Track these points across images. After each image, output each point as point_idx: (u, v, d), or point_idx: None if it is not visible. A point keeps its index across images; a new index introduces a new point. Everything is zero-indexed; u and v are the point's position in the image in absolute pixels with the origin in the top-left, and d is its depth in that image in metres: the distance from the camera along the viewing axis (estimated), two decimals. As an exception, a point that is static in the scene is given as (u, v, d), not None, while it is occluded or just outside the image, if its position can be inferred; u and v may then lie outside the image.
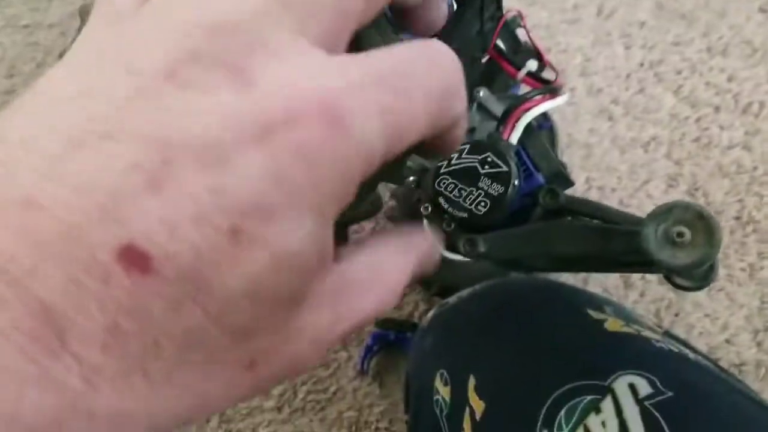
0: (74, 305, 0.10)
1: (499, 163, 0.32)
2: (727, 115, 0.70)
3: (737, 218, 0.62)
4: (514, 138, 0.34)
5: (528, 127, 0.35)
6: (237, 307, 0.11)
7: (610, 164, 0.70)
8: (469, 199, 0.33)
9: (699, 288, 0.34)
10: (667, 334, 0.45)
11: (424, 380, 0.43)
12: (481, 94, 0.40)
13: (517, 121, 0.35)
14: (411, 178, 0.35)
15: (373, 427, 0.61)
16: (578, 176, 0.70)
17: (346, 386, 0.63)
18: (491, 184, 0.33)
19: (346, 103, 0.11)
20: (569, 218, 0.33)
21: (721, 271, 0.60)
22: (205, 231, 0.10)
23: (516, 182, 0.32)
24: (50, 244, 0.10)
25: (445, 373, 0.40)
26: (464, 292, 0.49)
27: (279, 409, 0.62)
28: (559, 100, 0.36)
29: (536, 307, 0.42)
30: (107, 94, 0.11)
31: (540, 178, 0.34)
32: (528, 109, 0.35)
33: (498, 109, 0.39)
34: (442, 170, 0.33)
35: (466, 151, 0.33)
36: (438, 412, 0.39)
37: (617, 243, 0.28)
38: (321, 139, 0.11)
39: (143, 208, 0.10)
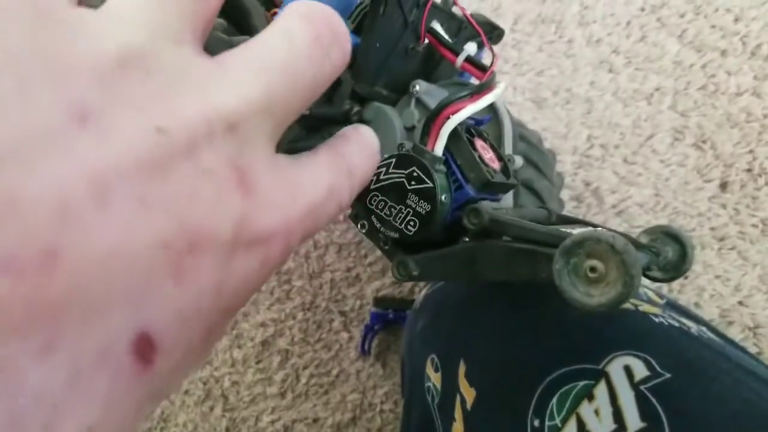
0: None
1: (424, 178, 0.30)
2: (735, 60, 0.65)
3: (748, 170, 0.59)
4: (439, 148, 0.31)
5: (454, 133, 0.32)
6: None
7: (612, 119, 0.66)
8: (399, 218, 0.31)
9: (671, 279, 0.32)
10: (669, 304, 0.43)
11: (415, 366, 0.41)
12: (417, 87, 0.36)
13: (440, 129, 0.31)
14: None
15: (377, 408, 0.60)
16: (580, 133, 0.66)
17: (349, 368, 0.61)
18: (418, 201, 0.31)
19: None
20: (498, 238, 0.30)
21: (733, 228, 0.57)
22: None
23: (444, 198, 0.30)
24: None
25: (436, 359, 0.39)
26: None
27: (282, 395, 0.60)
28: (490, 97, 0.32)
29: (526, 287, 0.40)
30: None
31: (470, 190, 0.32)
32: (450, 116, 0.31)
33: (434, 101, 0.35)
34: (372, 186, 0.31)
35: (393, 164, 0.30)
36: (429, 400, 0.37)
37: (542, 268, 0.26)
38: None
39: None
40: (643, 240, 0.42)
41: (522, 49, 0.75)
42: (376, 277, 0.64)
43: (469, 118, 0.33)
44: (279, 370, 0.62)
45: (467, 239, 0.31)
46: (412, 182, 0.30)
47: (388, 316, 0.59)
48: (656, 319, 0.36)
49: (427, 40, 0.36)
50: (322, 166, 0.20)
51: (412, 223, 0.31)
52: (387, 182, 0.31)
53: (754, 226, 0.58)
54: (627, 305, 0.39)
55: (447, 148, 0.32)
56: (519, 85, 0.72)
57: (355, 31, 0.34)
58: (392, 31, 0.34)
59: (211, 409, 0.62)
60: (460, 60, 0.34)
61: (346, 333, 0.63)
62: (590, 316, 0.37)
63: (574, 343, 0.33)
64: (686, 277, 0.58)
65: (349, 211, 0.35)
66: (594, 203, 0.62)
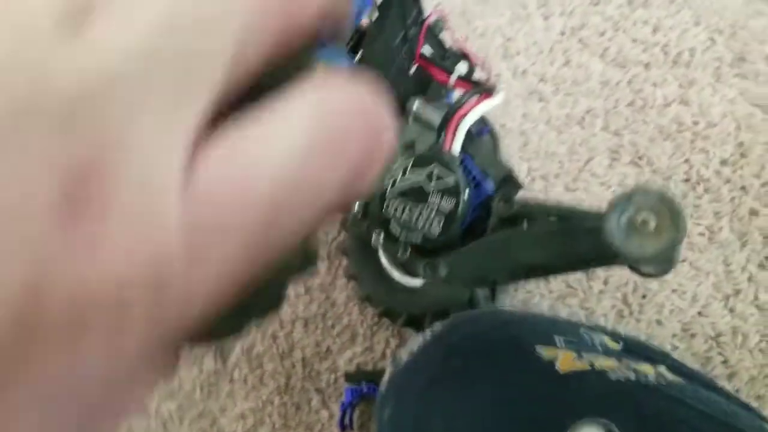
0: None
1: (446, 174, 0.31)
2: (658, 70, 0.67)
3: (686, 180, 0.60)
4: (456, 147, 0.33)
5: (469, 134, 0.34)
6: None
7: (548, 149, 0.67)
8: (421, 220, 0.32)
9: (665, 272, 0.33)
10: (626, 349, 0.43)
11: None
12: (416, 105, 0.38)
13: (456, 128, 0.34)
14: (355, 209, 0.34)
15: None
16: (519, 167, 0.67)
17: (331, 444, 0.62)
18: (441, 198, 0.32)
19: None
20: (526, 224, 0.32)
21: (680, 241, 0.58)
22: None
23: (467, 192, 0.31)
24: None
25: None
26: (415, 344, 0.47)
27: None
28: (496, 100, 0.35)
29: (484, 358, 0.41)
30: None
31: (490, 185, 0.33)
32: (465, 114, 0.34)
33: (435, 117, 0.38)
34: (388, 193, 0.32)
35: (409, 167, 0.32)
36: None
37: (582, 242, 0.27)
38: None
39: None
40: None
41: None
42: (346, 347, 0.65)
43: (472, 126, 0.35)
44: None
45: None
46: (433, 181, 0.32)
47: (362, 390, 0.59)
48: (613, 377, 0.37)
49: (416, 64, 0.38)
50: None
51: (436, 221, 0.31)
52: (405, 186, 0.32)
53: (701, 234, 0.58)
54: (583, 365, 0.40)
55: (463, 149, 0.34)
56: (458, 128, 0.74)
57: (351, 51, 0.36)
58: (392, 47, 0.35)
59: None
60: (453, 79, 0.37)
61: (325, 411, 0.64)
62: (549, 387, 0.37)
63: (537, 414, 0.34)
64: (644, 297, 0.58)
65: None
66: (545, 236, 0.63)
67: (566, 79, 0.72)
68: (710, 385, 0.44)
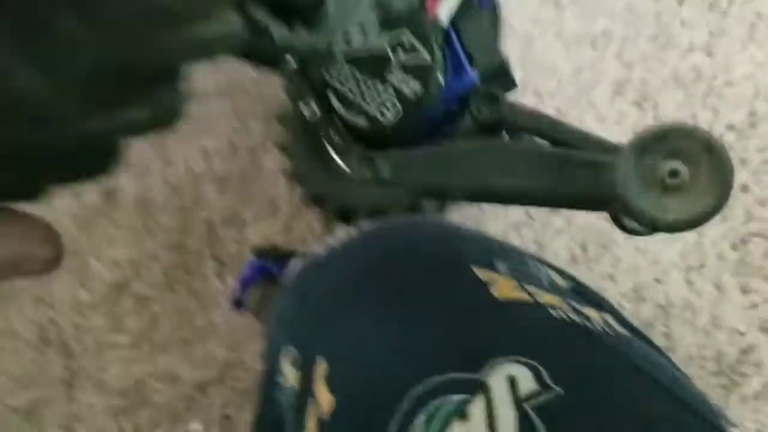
0: None
1: (420, 48, 0.23)
2: (692, 10, 0.58)
3: (686, 136, 0.53)
4: (444, 13, 0.23)
5: (465, 1, 0.24)
6: None
7: (551, 62, 0.58)
8: (373, 99, 0.24)
9: (652, 233, 0.26)
10: (574, 289, 0.37)
11: (270, 354, 0.33)
12: None
13: None
14: (289, 59, 0.24)
15: (247, 366, 0.52)
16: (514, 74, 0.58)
17: (218, 321, 0.53)
18: (405, 78, 0.23)
19: None
20: (507, 136, 0.24)
21: (660, 199, 0.52)
22: None
23: (441, 78, 0.24)
24: None
25: (294, 351, 0.31)
26: (336, 240, 0.38)
27: (136, 346, 0.52)
28: None
29: (408, 266, 0.33)
30: None
31: (473, 75, 0.24)
32: None
33: None
34: (336, 53, 0.22)
35: (372, 26, 0.22)
36: (283, 400, 0.30)
37: (580, 177, 0.21)
38: None
39: None
40: None
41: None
42: (261, 219, 0.55)
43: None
44: (133, 318, 0.52)
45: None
46: (400, 51, 0.22)
47: (269, 269, 0.50)
48: (554, 313, 0.30)
49: None
50: None
51: (393, 105, 0.23)
52: (361, 51, 0.23)
53: (683, 198, 0.52)
54: (523, 296, 0.33)
55: (451, 21, 0.24)
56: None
57: None
58: None
59: (46, 357, 0.52)
60: None
61: (219, 281, 0.54)
62: (476, 313, 0.30)
63: (454, 347, 0.28)
64: (604, 246, 0.52)
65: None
66: (518, 156, 0.55)
67: (591, -9, 0.62)
68: (656, 348, 0.39)
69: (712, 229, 0.51)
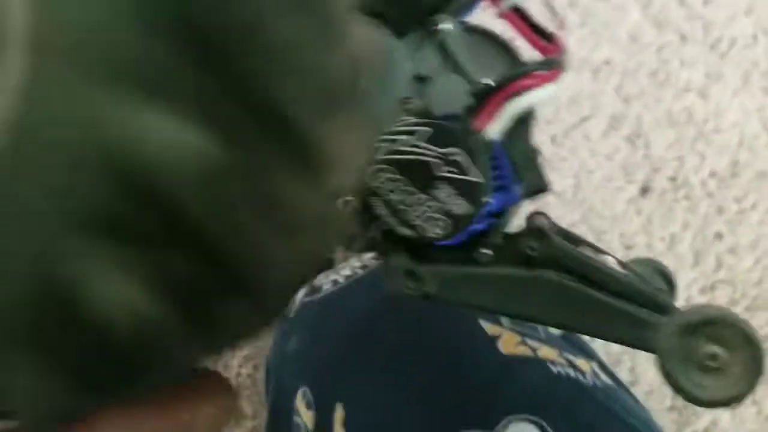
0: None
1: (469, 168, 0.23)
2: (693, 49, 0.59)
3: (672, 179, 0.55)
4: (494, 131, 0.22)
5: (519, 118, 0.23)
6: None
7: (551, 88, 0.58)
8: (416, 211, 0.24)
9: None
10: (566, 336, 0.40)
11: (283, 392, 0.35)
12: (445, 27, 0.25)
13: (501, 106, 0.22)
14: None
15: (234, 372, 0.53)
16: (513, 97, 0.58)
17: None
18: (453, 196, 0.23)
19: None
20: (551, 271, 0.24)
21: (642, 238, 0.54)
22: None
23: (489, 198, 0.23)
24: None
25: (309, 393, 0.32)
26: (343, 275, 0.39)
27: None
28: (564, 78, 0.23)
29: (423, 312, 0.34)
30: None
31: (517, 192, 0.24)
32: (521, 91, 0.23)
33: (470, 58, 0.25)
34: (382, 151, 0.22)
35: (425, 135, 0.22)
36: None
37: (620, 329, 0.23)
38: None
39: None
40: (637, 268, 0.37)
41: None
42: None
43: None
44: None
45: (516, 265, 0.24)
46: (448, 169, 0.22)
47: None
48: (554, 369, 0.34)
49: None
50: None
51: (438, 222, 0.22)
52: (407, 157, 0.22)
53: (662, 239, 0.55)
54: (526, 351, 0.36)
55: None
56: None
57: None
58: None
59: None
60: (506, 4, 0.24)
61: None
62: (487, 368, 0.33)
63: (469, 402, 0.32)
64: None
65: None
66: (511, 182, 0.56)
67: (597, 14, 0.62)
68: (630, 393, 0.44)
69: (685, 273, 0.55)
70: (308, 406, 0.33)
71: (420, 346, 0.34)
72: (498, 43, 0.26)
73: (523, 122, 0.24)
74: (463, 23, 0.27)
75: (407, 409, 0.30)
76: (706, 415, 0.52)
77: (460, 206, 0.23)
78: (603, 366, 0.40)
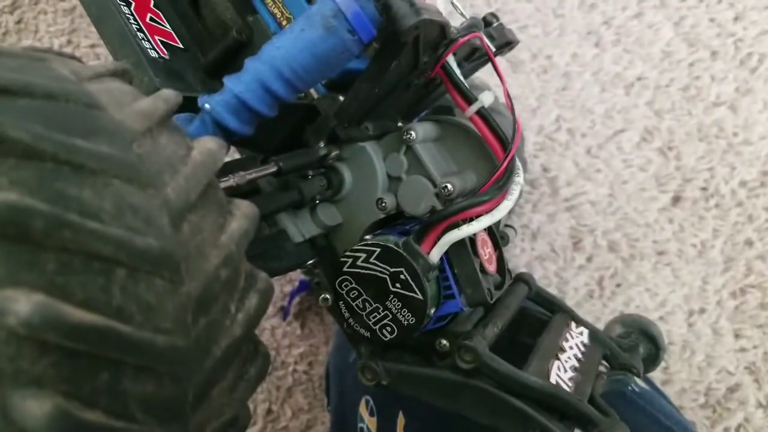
0: None
1: (413, 286, 0.27)
2: (723, 65, 0.63)
3: (703, 188, 0.59)
4: (436, 255, 0.27)
5: (458, 242, 0.27)
6: None
7: (586, 103, 0.62)
8: (374, 318, 0.28)
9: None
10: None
11: (347, 399, 0.39)
12: (413, 135, 0.30)
13: (441, 234, 0.27)
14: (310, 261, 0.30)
15: (290, 368, 0.58)
16: (550, 112, 0.62)
17: (263, 324, 0.58)
18: (402, 309, 0.28)
19: None
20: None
21: (673, 245, 0.58)
22: None
23: (432, 311, 0.27)
24: None
25: (371, 402, 0.36)
26: None
27: None
28: (507, 205, 0.27)
29: None
30: None
31: (462, 304, 0.28)
32: (460, 221, 0.27)
33: (438, 165, 0.30)
34: (345, 268, 0.26)
35: (376, 254, 0.26)
36: None
37: None
38: None
39: None
40: (618, 330, 0.40)
41: (510, -5, 0.67)
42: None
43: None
44: None
45: (448, 367, 0.28)
46: (397, 285, 0.27)
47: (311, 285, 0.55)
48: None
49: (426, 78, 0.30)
50: None
51: (389, 329, 0.27)
52: (366, 272, 0.27)
53: (693, 245, 0.58)
54: None
55: (445, 253, 0.27)
56: (498, 38, 0.65)
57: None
58: (398, 76, 0.27)
59: None
60: (472, 110, 0.28)
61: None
62: None
63: None
64: (619, 285, 0.58)
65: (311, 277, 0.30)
66: (548, 193, 0.60)
67: (631, 33, 0.65)
68: (665, 397, 0.47)
69: (716, 278, 0.58)
70: (371, 413, 0.37)
71: None
72: (471, 137, 0.31)
73: (462, 246, 0.28)
74: (440, 116, 0.31)
75: (463, 421, 0.34)
76: (739, 413, 0.55)
77: (406, 318, 0.27)
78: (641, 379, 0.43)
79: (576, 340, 0.33)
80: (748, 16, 0.66)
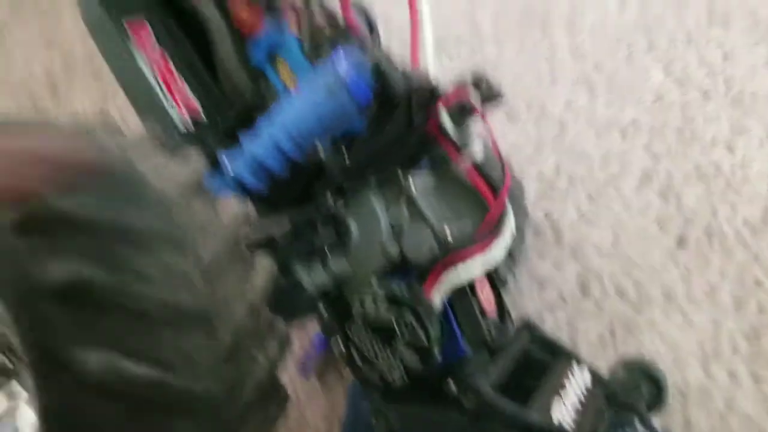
0: None
1: (419, 333, 0.28)
2: (715, 104, 0.64)
3: (706, 230, 0.59)
4: (437, 297, 0.28)
5: (460, 289, 0.28)
6: None
7: (583, 148, 0.63)
8: (385, 363, 0.29)
9: None
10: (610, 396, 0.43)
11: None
12: (413, 186, 0.32)
13: (442, 276, 0.28)
14: (321, 308, 0.32)
15: (309, 422, 0.57)
16: (548, 159, 0.63)
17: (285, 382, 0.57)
18: (409, 353, 0.29)
19: None
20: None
21: (681, 288, 0.58)
22: None
23: (438, 354, 0.29)
24: None
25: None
26: None
27: None
28: (502, 242, 0.29)
29: None
30: None
31: (465, 346, 0.29)
32: (456, 263, 0.28)
33: (436, 213, 0.31)
34: (353, 311, 0.28)
35: (381, 297, 0.27)
36: None
37: None
38: None
39: None
40: (621, 374, 0.41)
41: (503, 46, 0.68)
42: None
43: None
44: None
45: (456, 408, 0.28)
46: (403, 328, 0.27)
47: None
48: None
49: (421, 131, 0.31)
50: None
51: (399, 371, 0.28)
52: (372, 315, 0.28)
53: (701, 288, 0.58)
54: None
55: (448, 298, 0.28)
56: (492, 89, 0.66)
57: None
58: (395, 134, 0.29)
59: None
60: (464, 162, 0.30)
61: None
62: None
63: None
64: (630, 331, 0.58)
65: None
66: (552, 239, 0.60)
67: (622, 77, 0.66)
68: None
69: (728, 321, 0.57)
70: None
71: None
72: (464, 189, 0.32)
73: (462, 292, 0.29)
74: (436, 171, 0.33)
75: None
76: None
77: (413, 361, 0.28)
78: (643, 419, 0.43)
79: (578, 380, 0.33)
80: (737, 54, 0.67)
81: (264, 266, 0.24)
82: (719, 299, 0.59)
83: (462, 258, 0.28)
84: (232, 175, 0.29)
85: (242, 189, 0.30)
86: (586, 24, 0.69)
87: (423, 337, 0.28)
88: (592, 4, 0.69)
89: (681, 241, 0.61)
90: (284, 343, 0.24)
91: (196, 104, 0.37)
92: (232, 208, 0.24)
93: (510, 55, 0.68)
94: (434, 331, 0.28)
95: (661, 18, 0.69)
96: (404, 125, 0.31)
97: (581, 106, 0.66)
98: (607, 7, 0.69)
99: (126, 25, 0.39)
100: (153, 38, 0.39)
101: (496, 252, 0.29)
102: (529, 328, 0.37)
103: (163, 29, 0.41)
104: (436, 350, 0.28)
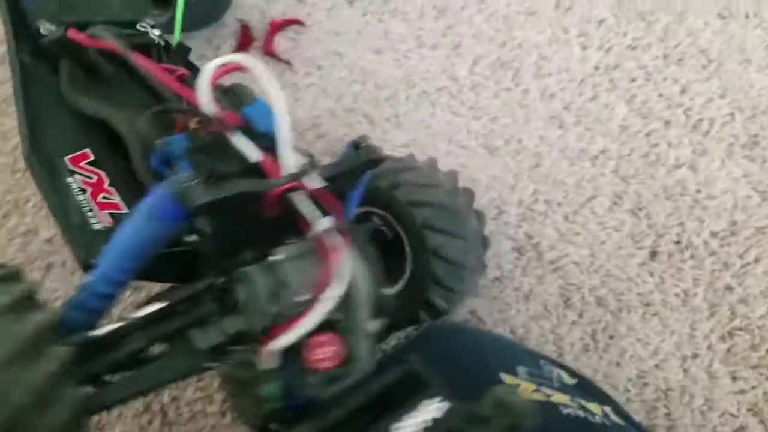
0: None
1: (255, 390, 0.34)
2: (677, 131, 0.70)
3: (677, 242, 0.64)
4: (268, 360, 0.34)
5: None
6: None
7: (557, 176, 0.70)
8: (251, 413, 0.35)
9: None
10: (581, 385, 0.45)
11: None
12: (278, 257, 0.36)
13: (268, 343, 0.35)
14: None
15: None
16: (526, 187, 0.70)
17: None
18: (255, 405, 0.35)
19: None
20: None
21: (657, 296, 0.62)
22: None
23: (273, 407, 0.34)
24: None
25: None
26: (403, 338, 0.48)
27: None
28: (322, 309, 0.34)
29: (453, 372, 0.42)
30: None
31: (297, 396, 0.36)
32: (278, 335, 0.34)
33: (299, 280, 0.36)
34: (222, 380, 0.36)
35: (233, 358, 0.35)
36: None
37: None
38: None
39: None
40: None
41: (479, 93, 0.77)
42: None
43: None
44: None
45: None
46: (247, 386, 0.35)
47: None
48: (564, 411, 0.39)
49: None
50: None
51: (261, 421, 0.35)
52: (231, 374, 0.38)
53: (677, 295, 0.62)
54: (540, 397, 0.42)
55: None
56: (473, 129, 0.75)
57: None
58: (243, 216, 0.37)
59: (150, 422, 0.61)
60: (313, 231, 0.36)
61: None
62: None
63: None
64: (611, 337, 0.61)
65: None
66: (534, 257, 0.66)
67: (589, 114, 0.74)
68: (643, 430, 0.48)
69: (702, 324, 0.61)
70: None
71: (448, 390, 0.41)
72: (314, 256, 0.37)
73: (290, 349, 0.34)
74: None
75: None
76: (747, 456, 0.55)
77: (259, 414, 0.35)
78: (618, 410, 0.45)
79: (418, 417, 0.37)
80: (693, 88, 0.75)
81: (57, 354, 0.28)
82: (694, 305, 0.63)
83: (282, 331, 0.34)
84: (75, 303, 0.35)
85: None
86: (553, 68, 0.77)
87: (259, 395, 0.34)
88: (557, 52, 0.78)
89: (654, 254, 0.65)
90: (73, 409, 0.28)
91: (121, 207, 0.46)
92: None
93: (486, 101, 0.77)
94: (270, 389, 0.34)
95: (621, 59, 0.77)
96: (246, 213, 0.36)
97: (554, 140, 0.73)
98: (572, 54, 0.78)
99: (66, 161, 0.47)
100: (91, 161, 0.48)
101: (312, 320, 0.33)
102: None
103: (101, 152, 0.49)
104: (270, 406, 0.34)
